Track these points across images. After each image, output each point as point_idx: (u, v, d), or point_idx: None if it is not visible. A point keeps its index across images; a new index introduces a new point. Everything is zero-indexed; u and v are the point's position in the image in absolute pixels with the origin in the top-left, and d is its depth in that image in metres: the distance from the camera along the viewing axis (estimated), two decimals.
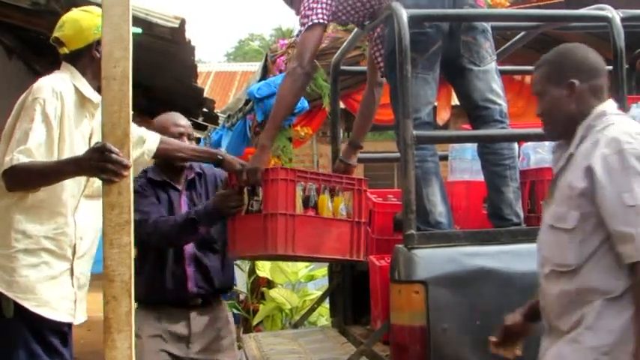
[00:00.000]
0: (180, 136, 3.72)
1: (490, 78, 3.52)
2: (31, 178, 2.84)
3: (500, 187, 3.45)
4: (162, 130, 3.70)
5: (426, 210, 3.35)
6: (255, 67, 10.96)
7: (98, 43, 3.03)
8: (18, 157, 2.79)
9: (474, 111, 3.55)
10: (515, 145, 3.57)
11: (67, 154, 2.92)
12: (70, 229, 3.00)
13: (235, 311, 6.65)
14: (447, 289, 2.92)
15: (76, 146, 2.98)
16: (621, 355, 2.24)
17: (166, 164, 3.79)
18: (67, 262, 3.00)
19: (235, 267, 7.27)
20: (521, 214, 3.43)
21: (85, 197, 3.06)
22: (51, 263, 2.95)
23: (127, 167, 2.57)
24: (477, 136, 3.59)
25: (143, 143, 3.39)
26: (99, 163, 2.57)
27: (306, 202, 3.27)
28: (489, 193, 3.51)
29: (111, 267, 2.59)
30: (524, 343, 2.61)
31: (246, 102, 6.94)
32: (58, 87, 2.96)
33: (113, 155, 2.54)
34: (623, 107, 3.22)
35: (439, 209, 3.40)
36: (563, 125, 2.45)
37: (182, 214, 3.57)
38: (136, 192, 3.71)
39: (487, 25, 3.54)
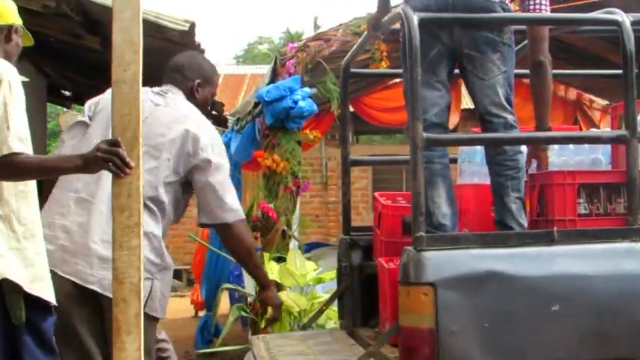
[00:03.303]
0: None
1: (495, 91, 3.50)
2: (27, 172, 2.76)
3: (503, 197, 3.49)
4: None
5: (430, 211, 3.36)
6: (264, 70, 10.96)
7: (16, 30, 3.06)
8: (12, 145, 2.69)
9: (479, 122, 3.60)
10: (521, 157, 3.56)
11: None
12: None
13: (244, 314, 6.64)
14: (456, 291, 2.92)
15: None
16: None
17: None
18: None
19: (244, 271, 7.29)
20: (525, 223, 3.47)
21: None
22: (44, 247, 2.92)
23: (129, 166, 2.59)
24: (486, 139, 3.59)
25: None
26: (105, 155, 2.59)
27: None
28: (494, 200, 3.55)
29: (120, 269, 2.61)
30: None
31: (255, 105, 6.95)
32: (11, 65, 2.90)
33: (121, 150, 2.57)
34: (633, 111, 3.22)
35: (443, 211, 3.42)
36: None
37: None
38: None
39: (495, 36, 3.51)
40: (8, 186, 2.79)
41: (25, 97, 2.92)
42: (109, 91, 3.11)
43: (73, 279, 3.23)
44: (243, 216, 3.64)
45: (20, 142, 2.71)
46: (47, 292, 2.86)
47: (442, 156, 3.50)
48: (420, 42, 3.32)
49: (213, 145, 3.53)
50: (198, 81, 3.70)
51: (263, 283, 3.90)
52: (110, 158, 2.60)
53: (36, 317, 2.82)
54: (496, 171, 3.52)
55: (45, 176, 2.96)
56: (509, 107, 3.52)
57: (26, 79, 3.02)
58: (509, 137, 3.52)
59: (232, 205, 3.54)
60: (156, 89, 3.65)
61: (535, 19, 3.71)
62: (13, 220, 2.79)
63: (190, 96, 3.69)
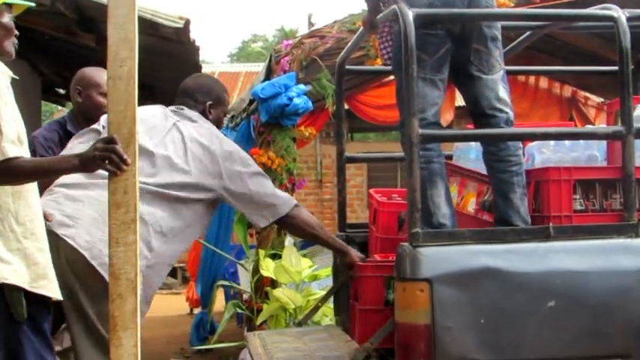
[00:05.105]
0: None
1: (498, 86, 3.51)
2: (24, 176, 2.69)
3: (508, 194, 3.45)
4: (92, 87, 3.84)
5: (430, 211, 3.35)
6: (259, 67, 10.97)
7: None
8: (7, 150, 2.60)
9: (480, 118, 3.56)
10: (521, 153, 3.56)
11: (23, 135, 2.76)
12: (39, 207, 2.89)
13: (239, 310, 6.65)
14: (452, 287, 2.92)
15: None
16: None
17: (87, 115, 3.87)
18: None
19: (239, 267, 7.29)
20: (528, 220, 3.43)
21: None
22: (47, 244, 2.84)
23: (126, 163, 2.58)
24: (482, 134, 3.59)
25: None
26: (103, 153, 2.58)
27: None
28: (496, 199, 3.51)
29: (116, 265, 2.61)
30: None
31: (250, 102, 6.94)
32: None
33: (117, 147, 2.56)
34: (629, 108, 3.23)
35: (443, 211, 3.40)
36: None
37: None
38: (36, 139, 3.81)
39: (497, 33, 3.53)
40: (3, 187, 2.72)
41: (20, 95, 2.84)
42: None
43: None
44: None
45: (14, 145, 2.64)
46: (50, 290, 2.80)
47: (439, 155, 3.47)
48: (433, 37, 3.32)
49: None
50: (209, 102, 3.77)
51: (340, 249, 3.86)
52: (108, 156, 2.59)
53: (37, 314, 2.77)
54: (499, 167, 3.48)
55: (43, 178, 2.92)
56: (509, 102, 3.53)
57: (16, 77, 2.89)
58: (503, 132, 3.51)
59: None
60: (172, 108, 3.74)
61: (531, 15, 3.72)
62: (12, 220, 2.71)
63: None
